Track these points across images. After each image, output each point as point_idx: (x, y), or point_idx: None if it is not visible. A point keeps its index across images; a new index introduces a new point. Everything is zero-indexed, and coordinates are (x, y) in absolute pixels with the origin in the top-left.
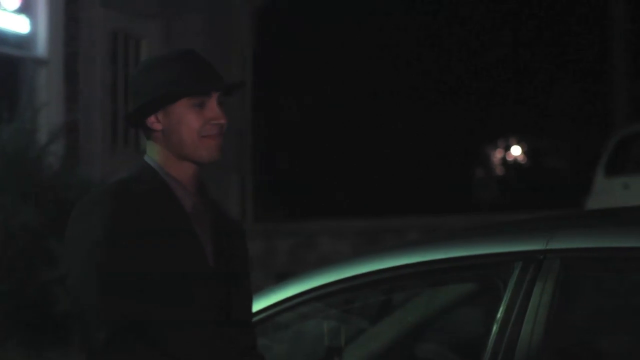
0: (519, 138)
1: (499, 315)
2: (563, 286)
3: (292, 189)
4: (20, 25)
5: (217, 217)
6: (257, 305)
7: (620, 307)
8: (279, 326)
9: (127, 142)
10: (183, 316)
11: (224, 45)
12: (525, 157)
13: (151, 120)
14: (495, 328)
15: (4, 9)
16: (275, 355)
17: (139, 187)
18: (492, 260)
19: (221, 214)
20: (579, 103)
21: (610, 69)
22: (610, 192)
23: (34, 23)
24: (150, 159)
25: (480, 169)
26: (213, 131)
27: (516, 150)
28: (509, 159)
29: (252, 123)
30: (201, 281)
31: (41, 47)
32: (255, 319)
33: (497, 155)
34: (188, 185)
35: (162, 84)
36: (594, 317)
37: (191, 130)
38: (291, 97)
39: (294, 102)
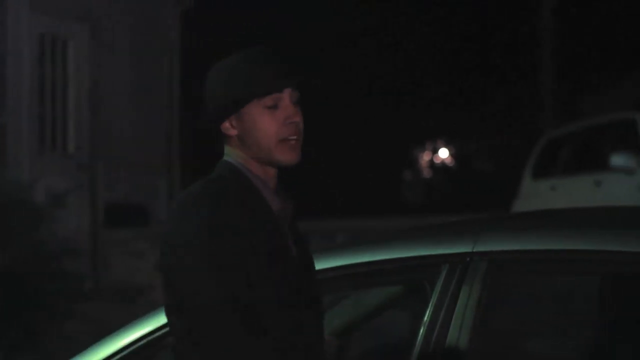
0: (447, 141)
1: (426, 317)
2: (489, 288)
3: None
4: None
5: (293, 219)
6: None
7: (546, 309)
8: None
9: (54, 144)
10: (285, 312)
11: (152, 46)
12: (452, 160)
13: (225, 126)
14: (422, 330)
15: None
16: None
17: (229, 186)
18: (419, 262)
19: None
20: (506, 107)
21: (537, 73)
22: (537, 194)
23: None
24: (233, 160)
25: (408, 172)
26: (290, 132)
27: (444, 153)
28: (437, 161)
29: (181, 125)
30: (294, 280)
31: None
32: None
33: (425, 157)
34: (272, 185)
35: (230, 88)
36: (520, 319)
37: (268, 136)
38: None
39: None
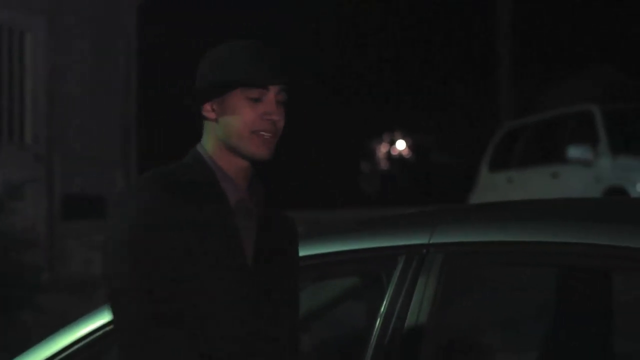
0: (404, 133)
1: (382, 309)
2: (446, 280)
3: None
4: None
5: (266, 217)
6: None
7: (502, 300)
8: None
9: (11, 136)
10: (216, 310)
11: (110, 39)
12: (410, 152)
13: (207, 108)
14: (378, 322)
15: None
16: None
17: (186, 176)
18: (375, 254)
19: (272, 215)
20: (464, 99)
21: (495, 67)
22: (494, 186)
23: None
24: (202, 148)
25: (366, 163)
26: (265, 126)
27: (401, 145)
28: (394, 153)
29: (137, 118)
30: (235, 277)
31: None
32: None
33: (382, 149)
34: (237, 179)
35: (219, 72)
36: (476, 310)
37: (243, 124)
38: (177, 89)
39: (179, 97)
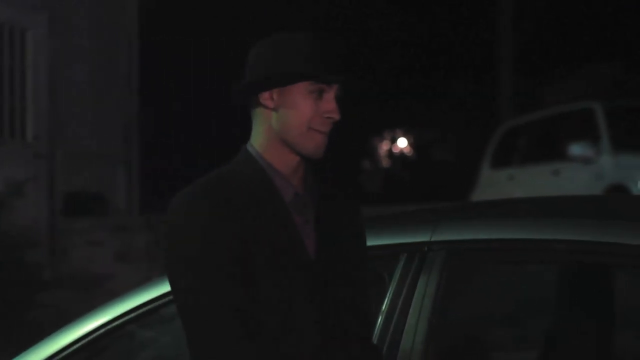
0: (405, 130)
1: (384, 306)
2: (447, 278)
3: (180, 181)
4: None
5: (326, 210)
6: (142, 298)
7: (503, 297)
8: (165, 318)
9: (13, 134)
10: (289, 311)
11: (111, 36)
12: (411, 149)
13: (265, 96)
14: (380, 319)
15: None
16: (161, 346)
17: (238, 178)
18: (377, 252)
19: (334, 208)
20: (465, 96)
21: (496, 63)
22: (495, 183)
23: None
24: (252, 147)
25: (367, 161)
26: (323, 126)
27: (402, 142)
28: (395, 151)
29: (139, 113)
30: (300, 272)
31: None
32: (141, 311)
33: (384, 147)
34: (289, 174)
35: (286, 61)
36: (477, 308)
37: (301, 118)
38: (178, 87)
39: (181, 91)
